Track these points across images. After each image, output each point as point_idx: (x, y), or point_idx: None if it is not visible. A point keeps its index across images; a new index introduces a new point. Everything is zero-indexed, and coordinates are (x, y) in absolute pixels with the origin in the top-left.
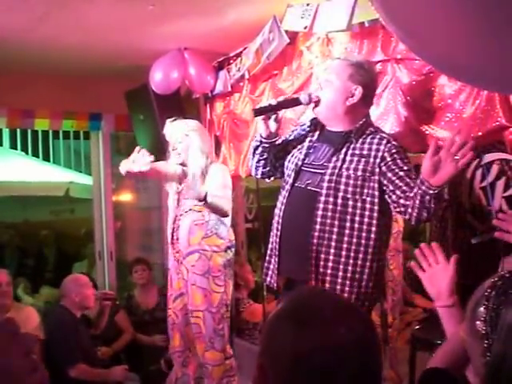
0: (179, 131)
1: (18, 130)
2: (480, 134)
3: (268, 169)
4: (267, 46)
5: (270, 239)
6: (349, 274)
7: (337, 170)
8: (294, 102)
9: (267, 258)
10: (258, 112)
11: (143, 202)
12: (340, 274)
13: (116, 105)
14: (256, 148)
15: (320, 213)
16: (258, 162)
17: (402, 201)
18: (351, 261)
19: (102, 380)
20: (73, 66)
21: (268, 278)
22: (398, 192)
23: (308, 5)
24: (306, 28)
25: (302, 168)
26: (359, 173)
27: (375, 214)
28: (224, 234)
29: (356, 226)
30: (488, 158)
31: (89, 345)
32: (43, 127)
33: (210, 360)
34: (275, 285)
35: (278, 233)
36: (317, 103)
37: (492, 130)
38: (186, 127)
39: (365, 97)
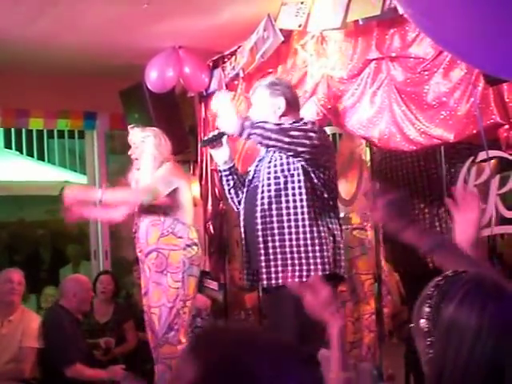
0: (136, 137)
1: (13, 130)
2: (474, 131)
3: (242, 196)
4: (262, 45)
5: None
6: (294, 242)
7: (268, 160)
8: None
9: (243, 262)
10: (205, 143)
11: None
12: (287, 243)
13: (111, 104)
14: (220, 179)
15: (259, 196)
16: (229, 192)
17: None
18: (293, 230)
19: (99, 380)
20: (67, 65)
21: (244, 282)
22: None
23: (302, 3)
24: (300, 26)
25: (254, 175)
26: (283, 152)
27: (303, 184)
28: (181, 232)
29: (290, 198)
30: (482, 155)
31: (86, 345)
32: (38, 126)
33: (168, 354)
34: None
35: (244, 235)
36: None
37: (486, 128)
38: (142, 133)
39: (289, 104)
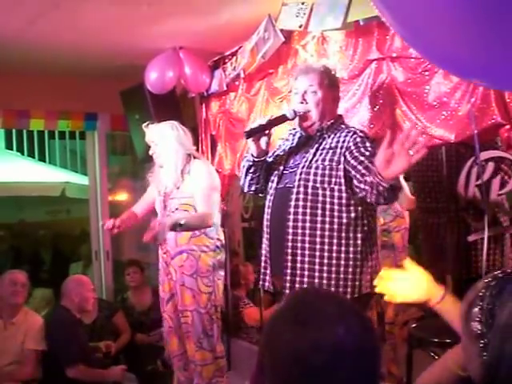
0: (155, 134)
1: (14, 131)
2: (475, 131)
3: (260, 184)
4: (262, 45)
5: (263, 244)
6: (325, 261)
7: (307, 164)
8: (281, 119)
9: (262, 262)
10: (249, 134)
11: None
12: (317, 260)
13: (111, 104)
14: (249, 168)
15: (292, 204)
16: (252, 179)
17: (362, 185)
18: (326, 247)
19: (100, 380)
20: (68, 65)
21: (262, 282)
22: (358, 176)
23: (303, 3)
24: (301, 27)
25: (284, 172)
26: (326, 163)
27: (344, 201)
28: (213, 233)
29: (327, 213)
30: (483, 155)
31: (87, 345)
32: (38, 127)
33: (199, 360)
34: (271, 287)
35: (268, 236)
36: (302, 116)
37: (487, 128)
38: (161, 129)
39: (337, 98)
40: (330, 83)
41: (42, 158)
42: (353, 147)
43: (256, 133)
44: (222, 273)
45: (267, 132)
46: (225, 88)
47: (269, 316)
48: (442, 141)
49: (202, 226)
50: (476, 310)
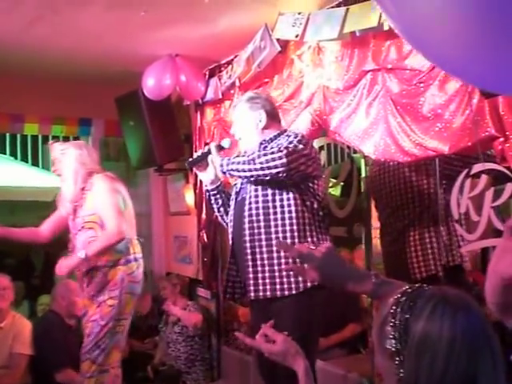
0: (56, 151)
1: (7, 135)
2: (469, 144)
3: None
4: (258, 54)
5: (228, 259)
6: (282, 254)
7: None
8: (218, 148)
9: (227, 274)
10: (191, 163)
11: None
12: (275, 255)
13: (106, 110)
14: (209, 199)
15: (247, 208)
16: (219, 210)
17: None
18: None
19: None
20: (63, 70)
21: (227, 295)
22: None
23: (299, 13)
24: (297, 36)
25: (241, 187)
26: (263, 179)
27: (291, 196)
28: (121, 247)
29: (278, 210)
30: (477, 168)
31: (77, 350)
32: (32, 132)
33: (84, 371)
34: (233, 295)
35: (231, 247)
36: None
37: (481, 140)
38: (62, 146)
39: (270, 115)
40: (254, 107)
41: (35, 163)
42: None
43: (196, 162)
44: (135, 287)
45: (207, 161)
46: (220, 96)
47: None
48: (435, 153)
49: (108, 246)
50: (389, 327)
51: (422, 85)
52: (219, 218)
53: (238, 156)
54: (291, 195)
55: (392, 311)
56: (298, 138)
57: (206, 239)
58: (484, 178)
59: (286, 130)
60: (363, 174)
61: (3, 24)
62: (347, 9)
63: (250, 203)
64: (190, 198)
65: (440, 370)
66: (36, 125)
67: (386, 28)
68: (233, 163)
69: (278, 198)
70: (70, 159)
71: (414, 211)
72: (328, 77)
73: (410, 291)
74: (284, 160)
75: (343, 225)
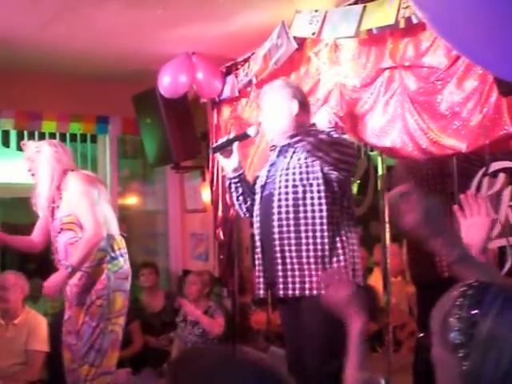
0: (30, 150)
1: (26, 132)
2: (487, 142)
3: (250, 203)
4: (275, 52)
5: (255, 255)
6: (311, 253)
7: (286, 166)
8: (244, 136)
9: (256, 271)
10: (215, 149)
11: (149, 205)
12: (304, 254)
13: (123, 108)
14: (229, 187)
15: (275, 204)
16: (237, 199)
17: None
18: (311, 240)
19: None
20: (81, 68)
21: (257, 291)
22: (328, 160)
23: (316, 11)
24: (314, 34)
25: (266, 181)
26: (302, 161)
27: (323, 194)
28: (103, 245)
29: (308, 208)
30: (495, 166)
31: None
32: (50, 129)
33: (83, 375)
34: (265, 294)
35: (259, 243)
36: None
37: (499, 139)
38: (36, 144)
39: (301, 106)
40: (282, 97)
41: None
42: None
43: (221, 148)
44: (123, 283)
45: (231, 148)
46: (237, 94)
47: None
48: (453, 151)
49: (90, 250)
50: (454, 319)
51: (439, 82)
52: (237, 206)
53: (321, 132)
54: (322, 193)
55: (458, 303)
56: (332, 130)
57: (222, 237)
58: (502, 176)
59: (314, 124)
60: (380, 172)
61: (22, 23)
62: (364, 6)
63: (279, 199)
64: (206, 195)
65: (504, 369)
66: (54, 122)
67: (402, 25)
68: (312, 135)
69: (308, 195)
70: (45, 157)
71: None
72: (345, 74)
73: (476, 285)
74: (353, 154)
75: (360, 223)
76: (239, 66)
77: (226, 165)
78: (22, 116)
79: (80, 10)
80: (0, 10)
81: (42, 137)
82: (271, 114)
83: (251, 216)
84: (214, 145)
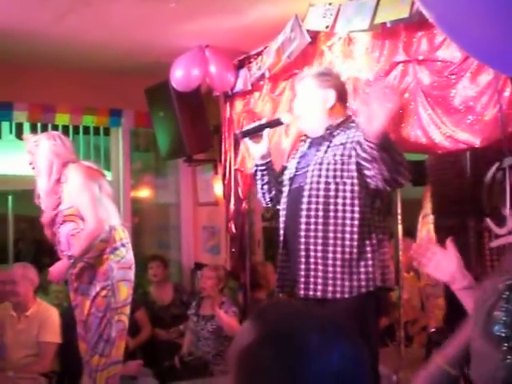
0: (29, 144)
1: (39, 125)
2: (501, 137)
3: (274, 193)
4: (288, 45)
5: (279, 249)
6: (338, 255)
7: (319, 160)
8: (276, 122)
9: (278, 267)
10: (245, 134)
11: (161, 198)
12: (330, 255)
13: (136, 101)
14: (255, 174)
15: (305, 200)
16: (262, 187)
17: (371, 172)
18: (339, 241)
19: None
20: (94, 61)
21: (279, 287)
22: (367, 165)
23: (330, 4)
24: (327, 27)
25: (296, 173)
26: (337, 158)
27: (356, 195)
28: (105, 236)
29: (339, 207)
30: (508, 161)
31: None
32: (64, 122)
33: (94, 365)
34: (288, 290)
35: (283, 238)
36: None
37: None
38: (35, 137)
39: (339, 96)
40: (324, 84)
41: None
42: (362, 140)
43: (251, 133)
44: (127, 272)
45: (261, 134)
46: (249, 87)
47: (240, 344)
48: (467, 145)
49: (91, 241)
50: (499, 312)
51: (453, 77)
52: (260, 194)
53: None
54: (356, 193)
55: (505, 297)
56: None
57: (234, 230)
58: None
59: (350, 116)
60: None
61: (36, 16)
62: (378, 0)
63: (309, 195)
64: (218, 188)
65: None
66: (67, 115)
67: (416, 19)
68: (392, 145)
69: (340, 194)
70: (43, 151)
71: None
72: (358, 68)
73: None
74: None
75: None
76: (252, 60)
77: (255, 151)
78: (36, 109)
79: (94, 3)
80: (14, 3)
81: (55, 129)
82: (305, 102)
83: (274, 206)
84: (244, 129)
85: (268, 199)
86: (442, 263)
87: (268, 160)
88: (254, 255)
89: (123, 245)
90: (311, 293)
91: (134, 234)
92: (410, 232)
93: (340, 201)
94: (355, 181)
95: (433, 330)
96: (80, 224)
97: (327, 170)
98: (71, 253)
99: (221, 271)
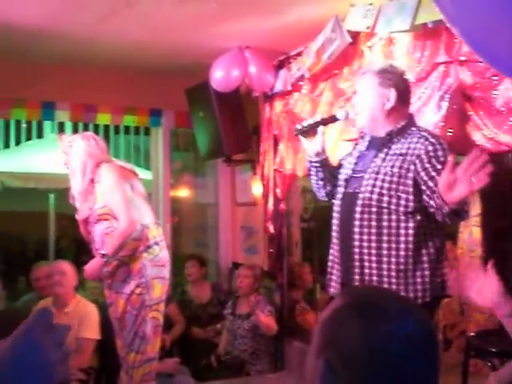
0: (66, 145)
1: (81, 124)
2: None
3: (329, 188)
4: (328, 46)
5: (330, 249)
6: (393, 266)
7: (376, 169)
8: (332, 119)
9: (329, 267)
10: (300, 131)
11: (200, 198)
12: (384, 266)
13: (177, 101)
14: (310, 169)
15: (359, 209)
16: (317, 183)
17: (431, 202)
18: (393, 252)
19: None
20: (136, 62)
21: (331, 289)
22: (428, 192)
23: (371, 4)
24: (368, 28)
25: (352, 175)
26: (395, 169)
27: (410, 210)
28: (137, 235)
29: (393, 223)
30: None
31: None
32: (105, 122)
33: (131, 362)
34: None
35: (336, 241)
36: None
37: None
38: (69, 138)
39: (400, 97)
40: (385, 83)
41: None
42: (424, 156)
43: (306, 131)
44: (161, 270)
45: (317, 131)
46: (289, 88)
47: (328, 312)
48: (508, 147)
49: (123, 240)
50: None
51: (495, 78)
52: (315, 188)
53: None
54: (410, 203)
55: None
56: (445, 151)
57: (272, 230)
58: None
59: (413, 119)
60: None
61: (79, 17)
62: (419, 0)
63: (362, 205)
64: (256, 188)
65: None
66: (108, 115)
67: None
68: None
69: (393, 207)
70: (77, 151)
71: None
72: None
73: None
74: None
75: None
76: (292, 60)
77: (309, 148)
78: (78, 108)
79: (136, 4)
80: (58, 4)
81: (96, 129)
82: (364, 100)
83: (329, 200)
84: (299, 126)
85: (323, 194)
86: (484, 288)
87: (322, 157)
88: (292, 256)
89: (157, 243)
90: None
91: (173, 233)
92: (451, 235)
93: (393, 217)
94: (410, 197)
95: (472, 334)
96: (114, 223)
97: (383, 180)
98: (105, 251)
99: (257, 270)
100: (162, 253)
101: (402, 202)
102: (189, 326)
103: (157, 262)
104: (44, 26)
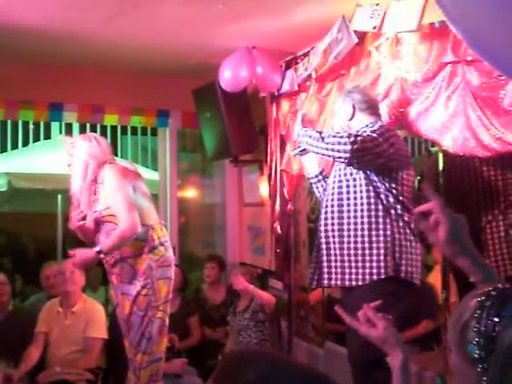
0: (70, 146)
1: (88, 125)
2: None
3: None
4: (335, 46)
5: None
6: (352, 245)
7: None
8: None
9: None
10: (296, 153)
11: (207, 198)
12: (345, 246)
13: (184, 102)
14: (311, 186)
15: (327, 198)
16: (321, 196)
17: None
18: (352, 232)
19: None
20: (142, 63)
21: (310, 281)
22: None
23: (377, 4)
24: (375, 28)
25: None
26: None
27: (363, 187)
28: (142, 235)
29: (351, 201)
30: None
31: None
32: (112, 122)
33: (138, 363)
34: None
35: (322, 240)
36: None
37: None
38: (72, 139)
39: (358, 109)
40: (346, 101)
41: (114, 153)
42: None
43: (301, 153)
44: (166, 270)
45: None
46: (296, 88)
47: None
48: None
49: (122, 241)
50: (472, 333)
51: (502, 77)
52: (320, 199)
53: (314, 130)
54: (364, 188)
55: (476, 316)
56: (374, 127)
57: (279, 231)
58: None
59: (376, 122)
60: (440, 168)
61: (86, 18)
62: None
63: (329, 194)
64: (264, 189)
65: None
66: (116, 116)
67: None
68: (305, 135)
69: (351, 189)
70: (80, 152)
71: (499, 206)
72: (406, 69)
73: (495, 294)
74: (348, 147)
75: None
76: (299, 61)
77: (306, 166)
78: (85, 109)
79: (142, 5)
80: (64, 5)
81: (104, 129)
82: (335, 116)
83: None
84: (294, 151)
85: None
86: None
87: (317, 173)
88: (300, 256)
89: (161, 243)
90: (333, 282)
91: (180, 233)
92: None
93: (351, 195)
94: (361, 175)
95: None
96: (119, 224)
97: (339, 169)
98: (100, 246)
99: (244, 269)
100: (168, 253)
101: (357, 183)
102: (201, 325)
103: (162, 262)
104: (51, 27)
